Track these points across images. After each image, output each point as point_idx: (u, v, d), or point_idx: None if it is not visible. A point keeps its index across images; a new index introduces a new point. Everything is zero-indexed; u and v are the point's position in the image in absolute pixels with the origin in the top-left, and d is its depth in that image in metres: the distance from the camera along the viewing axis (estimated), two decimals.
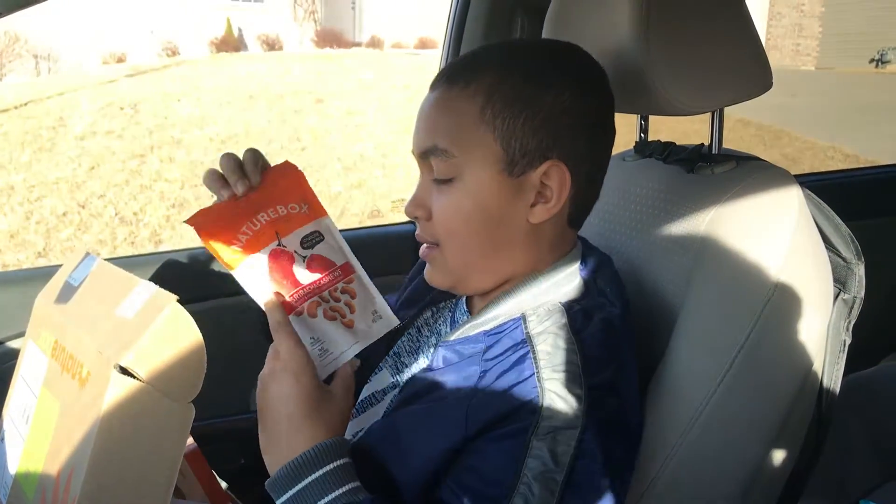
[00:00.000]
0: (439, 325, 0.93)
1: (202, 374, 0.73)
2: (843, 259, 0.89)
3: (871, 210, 1.66)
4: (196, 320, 0.72)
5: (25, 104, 7.88)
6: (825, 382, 0.87)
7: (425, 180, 0.83)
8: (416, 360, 0.91)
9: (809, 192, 0.90)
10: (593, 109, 0.80)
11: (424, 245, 0.84)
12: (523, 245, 0.81)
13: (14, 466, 0.81)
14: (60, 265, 0.92)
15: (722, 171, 0.92)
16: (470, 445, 0.71)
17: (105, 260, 0.86)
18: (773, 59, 0.92)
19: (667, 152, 0.98)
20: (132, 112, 7.61)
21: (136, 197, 5.44)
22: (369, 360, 0.96)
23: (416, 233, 0.84)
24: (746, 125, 6.84)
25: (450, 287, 0.85)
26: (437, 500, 0.73)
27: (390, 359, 0.95)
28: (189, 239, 4.62)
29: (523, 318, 0.77)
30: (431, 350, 0.89)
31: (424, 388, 0.79)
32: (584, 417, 0.69)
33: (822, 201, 0.91)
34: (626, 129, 1.11)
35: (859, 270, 0.88)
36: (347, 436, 0.87)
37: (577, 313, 0.77)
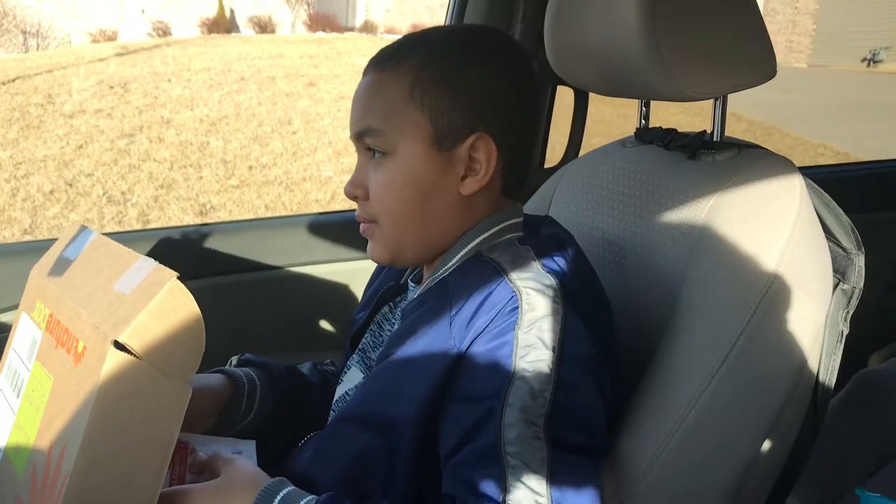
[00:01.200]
0: (396, 315, 0.95)
1: (200, 353, 0.72)
2: (844, 249, 0.89)
3: (871, 204, 1.66)
4: (198, 297, 0.71)
5: (13, 80, 7.81)
6: (822, 372, 0.87)
7: (362, 162, 0.86)
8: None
9: (811, 182, 0.90)
10: (516, 85, 0.85)
11: (363, 223, 0.88)
12: (456, 215, 0.85)
13: (3, 440, 0.80)
14: (55, 239, 0.91)
15: (723, 159, 0.92)
16: (462, 363, 0.75)
17: (102, 234, 0.85)
18: None
19: (668, 139, 0.98)
20: (122, 91, 7.55)
21: (125, 176, 5.41)
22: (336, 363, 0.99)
23: (356, 213, 0.88)
24: (738, 120, 6.86)
25: (389, 261, 0.89)
26: (446, 420, 0.75)
27: (357, 356, 0.97)
28: (177, 219, 4.60)
29: (478, 252, 0.83)
30: None
31: (403, 336, 0.81)
32: (563, 304, 0.74)
33: (823, 191, 0.91)
34: (621, 119, 1.11)
35: (859, 261, 0.88)
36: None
37: (526, 241, 0.83)
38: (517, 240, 0.83)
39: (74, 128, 6.37)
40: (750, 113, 6.96)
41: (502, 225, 0.85)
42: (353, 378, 0.95)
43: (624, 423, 0.83)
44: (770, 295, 0.81)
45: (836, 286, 0.88)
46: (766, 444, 0.84)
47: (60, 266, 0.85)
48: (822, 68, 12.45)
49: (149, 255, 0.75)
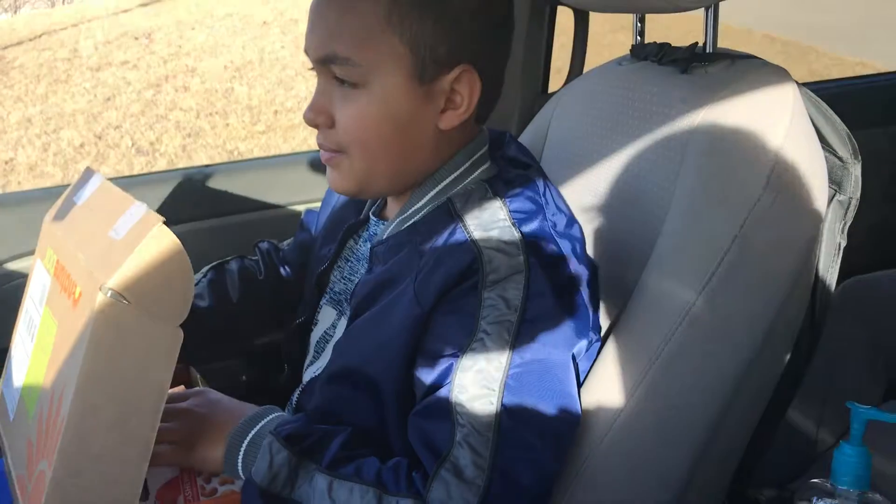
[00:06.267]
0: (360, 248, 0.93)
1: (190, 296, 0.72)
2: (840, 158, 0.86)
3: (874, 117, 1.60)
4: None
5: (39, 36, 7.84)
6: (818, 285, 0.86)
7: (325, 85, 0.79)
8: (351, 287, 0.92)
9: (807, 90, 0.87)
10: (498, 8, 0.80)
11: (326, 152, 0.82)
12: (431, 149, 0.81)
13: (20, 381, 0.83)
14: (69, 185, 0.92)
15: (716, 71, 0.89)
16: (430, 320, 0.74)
17: (109, 179, 0.85)
18: None
19: (661, 53, 0.95)
20: (146, 42, 7.54)
21: (153, 127, 5.44)
22: (300, 308, 1.00)
23: (318, 140, 0.81)
24: (773, 41, 6.63)
25: (355, 193, 0.85)
26: (417, 378, 0.75)
27: (327, 295, 0.96)
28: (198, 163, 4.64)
29: (449, 200, 0.79)
30: (363, 272, 0.90)
31: (372, 291, 0.81)
32: (526, 261, 0.72)
33: (819, 100, 0.88)
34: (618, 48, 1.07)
35: (856, 170, 0.86)
36: (307, 377, 0.93)
37: (496, 182, 0.80)
38: (486, 183, 0.80)
39: (101, 81, 6.41)
40: (786, 33, 6.71)
41: (472, 160, 0.82)
42: (327, 317, 0.94)
43: (619, 326, 0.83)
44: (761, 205, 0.79)
45: (832, 198, 0.86)
46: (762, 357, 0.83)
47: (66, 210, 0.86)
48: None
49: (159, 198, 0.74)
